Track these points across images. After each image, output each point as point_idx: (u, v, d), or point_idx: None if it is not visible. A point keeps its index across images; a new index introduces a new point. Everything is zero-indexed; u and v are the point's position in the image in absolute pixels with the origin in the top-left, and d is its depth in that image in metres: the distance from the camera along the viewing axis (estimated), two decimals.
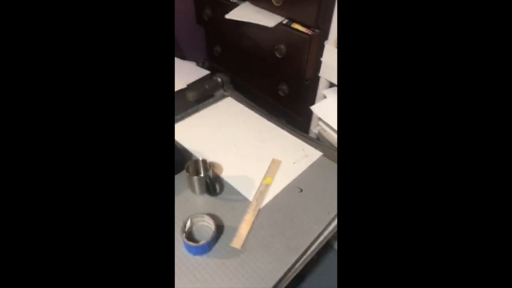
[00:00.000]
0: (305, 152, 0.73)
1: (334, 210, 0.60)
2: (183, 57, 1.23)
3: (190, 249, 0.52)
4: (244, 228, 0.57)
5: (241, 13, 0.89)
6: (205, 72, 1.04)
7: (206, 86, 0.93)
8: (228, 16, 0.90)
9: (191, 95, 0.89)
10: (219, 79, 0.95)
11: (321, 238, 0.58)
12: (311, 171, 0.68)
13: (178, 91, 0.93)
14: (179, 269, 0.50)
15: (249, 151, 0.73)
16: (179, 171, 0.65)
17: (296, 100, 0.94)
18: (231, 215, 0.59)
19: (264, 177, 0.66)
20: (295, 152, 0.73)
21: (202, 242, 0.51)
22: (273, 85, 0.98)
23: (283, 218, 0.59)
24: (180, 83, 0.96)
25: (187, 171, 0.60)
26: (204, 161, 0.63)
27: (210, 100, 0.92)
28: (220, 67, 1.19)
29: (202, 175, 0.62)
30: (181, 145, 0.73)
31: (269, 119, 0.83)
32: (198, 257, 0.52)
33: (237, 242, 0.55)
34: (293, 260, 0.53)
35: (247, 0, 0.93)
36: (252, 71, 1.06)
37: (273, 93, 0.99)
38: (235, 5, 0.92)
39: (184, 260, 0.52)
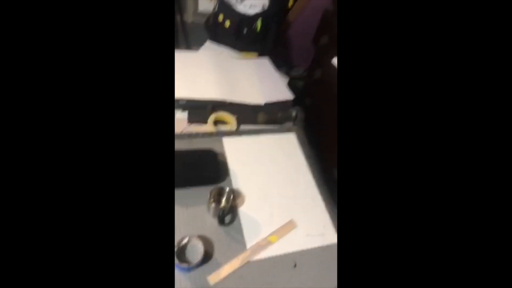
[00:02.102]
0: (323, 230, 0.71)
1: None
2: (291, 64, 1.26)
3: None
4: (225, 270, 0.61)
5: None
6: (289, 96, 1.05)
7: (279, 115, 0.95)
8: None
9: (260, 118, 0.94)
10: (294, 114, 0.96)
11: None
12: (316, 252, 0.68)
13: (255, 105, 0.98)
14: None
15: (276, 199, 0.75)
16: (210, 183, 0.71)
17: None
18: (224, 250, 0.64)
19: (272, 233, 0.68)
20: (315, 224, 0.72)
21: (183, 265, 0.57)
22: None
23: (261, 283, 0.61)
24: (260, 98, 1.00)
25: (210, 194, 0.66)
26: (230, 191, 0.68)
27: (276, 127, 0.94)
28: (305, 100, 1.20)
29: (222, 204, 0.68)
30: (224, 158, 0.79)
31: (315, 177, 0.82)
32: (177, 270, 0.59)
33: (213, 278, 0.60)
34: None
35: None
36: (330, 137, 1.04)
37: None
38: None
39: None
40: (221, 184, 0.73)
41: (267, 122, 0.95)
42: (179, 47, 1.23)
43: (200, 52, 1.15)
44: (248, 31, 1.15)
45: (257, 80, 1.08)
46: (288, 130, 0.94)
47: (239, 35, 1.15)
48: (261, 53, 1.20)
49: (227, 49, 1.19)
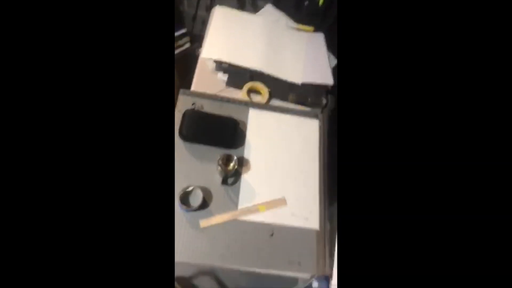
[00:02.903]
0: (308, 216, 0.81)
1: (274, 269, 0.73)
2: None
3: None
4: (215, 219, 0.76)
5: None
6: (329, 81, 1.06)
7: (309, 99, 0.99)
8: None
9: (291, 97, 0.98)
10: (324, 101, 0.99)
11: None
12: (294, 231, 0.78)
13: (291, 83, 1.02)
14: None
15: (277, 176, 0.84)
16: (225, 147, 0.83)
17: None
18: (219, 205, 0.77)
19: (262, 203, 0.80)
20: (303, 208, 0.81)
21: (184, 207, 0.73)
22: None
23: (239, 240, 0.75)
24: (299, 76, 1.03)
25: (221, 157, 0.78)
26: (237, 159, 0.79)
27: (304, 110, 0.99)
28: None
29: (228, 168, 0.79)
30: (244, 128, 0.89)
31: (320, 169, 0.89)
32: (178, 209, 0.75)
33: (204, 223, 0.75)
34: (214, 264, 0.71)
35: None
36: None
37: None
38: None
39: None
40: (235, 151, 0.84)
41: (297, 102, 0.99)
42: (243, 7, 1.24)
43: (257, 15, 1.17)
44: (310, 3, 1.12)
45: (304, 56, 1.10)
46: (314, 116, 0.98)
47: (300, 5, 1.14)
48: (318, 29, 1.17)
49: (285, 17, 1.19)
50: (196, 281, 1.16)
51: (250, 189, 0.81)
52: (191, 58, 1.24)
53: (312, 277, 0.79)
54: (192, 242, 0.73)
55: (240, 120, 0.88)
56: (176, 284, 1.10)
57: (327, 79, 1.06)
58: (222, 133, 0.84)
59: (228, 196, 0.79)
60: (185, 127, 0.82)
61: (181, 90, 0.91)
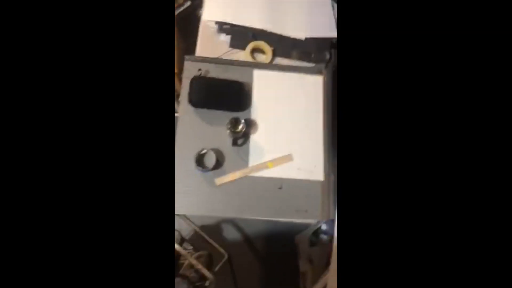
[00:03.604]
0: (313, 169, 0.88)
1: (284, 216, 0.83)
2: None
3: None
4: (229, 177, 0.84)
5: None
6: (333, 34, 1.04)
7: (312, 55, 0.99)
8: None
9: (294, 54, 0.99)
10: (327, 56, 0.99)
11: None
12: (301, 183, 0.86)
13: (294, 39, 1.01)
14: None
15: (284, 134, 0.90)
16: (233, 110, 0.88)
17: None
18: (231, 164, 0.85)
19: (270, 161, 0.87)
20: (308, 163, 0.88)
21: (199, 168, 0.81)
22: None
23: (252, 193, 0.84)
24: (302, 31, 1.02)
25: (229, 122, 0.83)
26: (245, 122, 0.84)
27: (308, 66, 1.00)
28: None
29: (237, 130, 0.85)
30: (250, 90, 0.92)
31: (324, 124, 0.93)
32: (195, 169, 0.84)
33: (219, 180, 0.84)
34: (231, 216, 0.82)
35: None
36: None
37: None
38: None
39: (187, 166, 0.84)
40: (243, 113, 0.89)
41: (301, 59, 1.00)
42: None
43: None
44: None
45: (307, 8, 1.07)
46: (318, 72, 0.99)
47: None
48: None
49: None
50: (218, 229, 1.31)
51: (259, 148, 0.88)
52: (193, 18, 1.23)
53: (318, 222, 0.89)
54: (210, 198, 0.83)
55: (245, 82, 0.91)
56: (200, 231, 1.26)
57: (331, 31, 1.04)
58: (229, 97, 0.88)
59: (239, 156, 0.86)
60: (194, 94, 0.86)
61: (186, 57, 0.93)
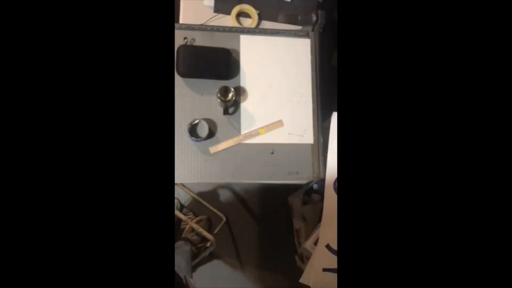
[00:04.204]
0: (303, 133, 0.91)
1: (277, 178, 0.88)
2: None
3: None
4: (222, 145, 0.87)
5: None
6: None
7: (299, 18, 0.97)
8: None
9: (280, 17, 0.97)
10: (314, 18, 0.97)
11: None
12: (291, 147, 0.90)
13: (279, 0, 0.99)
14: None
15: (274, 100, 0.91)
16: (221, 78, 0.88)
17: None
18: (224, 132, 0.87)
19: (262, 127, 0.89)
20: (298, 127, 0.91)
21: (193, 138, 0.83)
22: None
23: (245, 160, 0.87)
24: None
25: (219, 91, 0.83)
26: (235, 89, 0.85)
27: (295, 29, 0.98)
28: None
29: (227, 98, 0.85)
30: (238, 57, 0.91)
31: (313, 87, 0.94)
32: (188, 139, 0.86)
33: (213, 149, 0.86)
34: (226, 181, 0.86)
35: None
36: None
37: None
38: None
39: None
40: (231, 81, 0.90)
41: (287, 22, 0.98)
42: None
43: None
44: None
45: None
46: (305, 34, 0.98)
47: None
48: None
49: None
50: (215, 194, 1.36)
51: (250, 116, 0.90)
52: None
53: (309, 182, 0.94)
54: (206, 166, 0.86)
55: (232, 49, 0.91)
56: (198, 198, 1.31)
57: None
58: (217, 65, 0.88)
59: (231, 124, 0.88)
60: (181, 64, 0.85)
61: None
